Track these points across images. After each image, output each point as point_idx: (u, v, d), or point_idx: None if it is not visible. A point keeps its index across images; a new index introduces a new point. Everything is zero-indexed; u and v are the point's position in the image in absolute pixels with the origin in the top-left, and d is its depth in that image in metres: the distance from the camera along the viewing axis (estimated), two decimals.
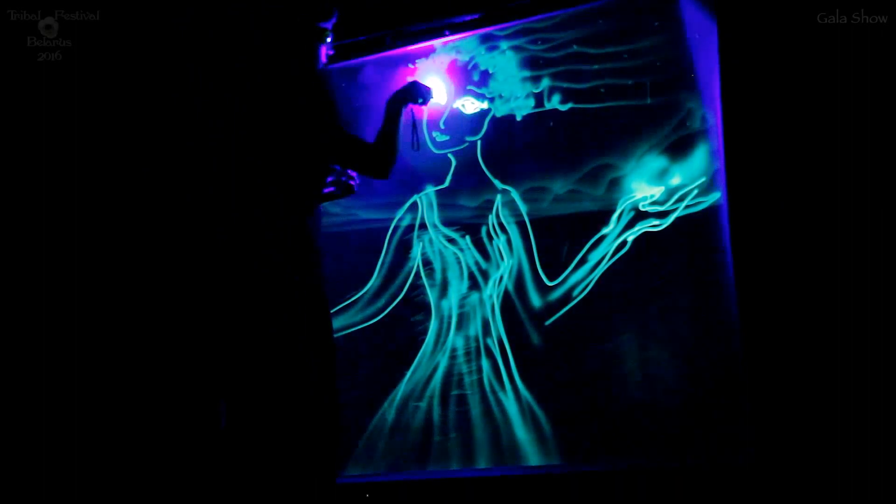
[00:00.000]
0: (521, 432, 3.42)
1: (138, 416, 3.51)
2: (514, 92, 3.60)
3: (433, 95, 2.89)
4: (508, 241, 3.57)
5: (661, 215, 3.31)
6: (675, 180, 3.30)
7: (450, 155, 3.72)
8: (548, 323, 3.44)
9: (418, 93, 2.82)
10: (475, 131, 3.67)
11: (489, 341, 3.54)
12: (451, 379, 3.58)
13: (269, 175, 2.45)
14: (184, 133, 3.39)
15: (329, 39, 2.67)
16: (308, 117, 2.47)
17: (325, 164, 2.57)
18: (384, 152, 2.62)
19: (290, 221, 2.45)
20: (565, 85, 3.51)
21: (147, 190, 3.58)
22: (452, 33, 3.68)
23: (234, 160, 2.48)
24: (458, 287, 3.65)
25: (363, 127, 3.60)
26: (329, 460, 2.43)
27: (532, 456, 3.39)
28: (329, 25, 2.66)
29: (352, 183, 2.83)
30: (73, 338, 3.53)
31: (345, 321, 3.77)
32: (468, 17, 3.62)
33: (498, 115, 3.63)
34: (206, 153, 2.59)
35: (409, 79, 3.15)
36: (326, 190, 2.80)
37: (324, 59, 2.68)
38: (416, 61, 3.74)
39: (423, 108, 2.90)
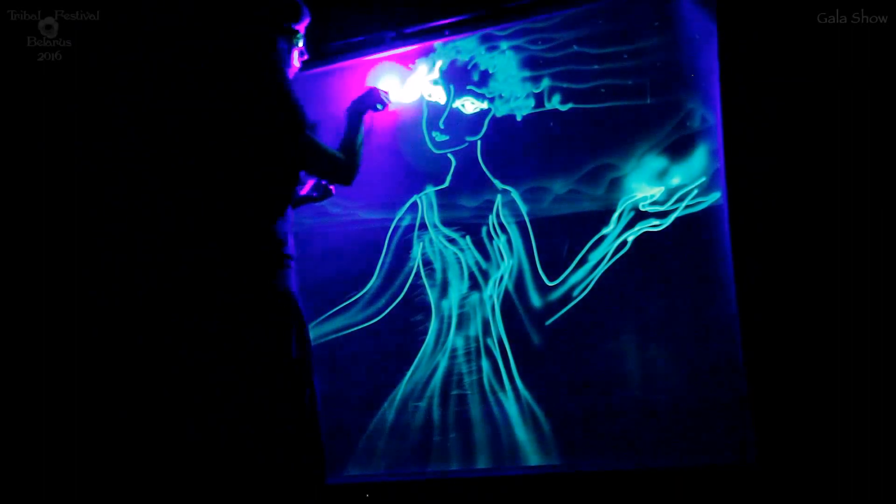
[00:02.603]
0: (521, 432, 3.42)
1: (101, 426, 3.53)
2: (515, 92, 3.60)
3: (391, 100, 2.94)
4: (509, 241, 3.57)
5: (661, 215, 3.31)
6: (675, 180, 3.30)
7: (450, 155, 3.72)
8: (548, 323, 3.44)
9: (375, 99, 2.85)
10: (475, 131, 3.67)
11: (489, 341, 3.54)
12: (451, 379, 3.58)
13: (238, 183, 2.43)
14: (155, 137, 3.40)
15: (301, 43, 2.65)
16: (277, 123, 2.45)
17: (294, 171, 2.54)
18: (348, 160, 2.63)
19: (259, 229, 2.43)
20: (565, 85, 3.51)
21: (145, 191, 3.59)
22: (452, 33, 3.69)
23: (201, 168, 2.46)
24: (458, 287, 3.64)
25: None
26: (312, 471, 2.41)
27: (532, 456, 3.39)
28: (301, 28, 2.63)
29: (330, 187, 2.84)
30: (76, 342, 3.54)
31: (345, 321, 3.77)
32: (468, 17, 3.64)
33: (498, 115, 3.63)
34: (173, 159, 2.59)
35: (367, 85, 3.19)
36: (304, 193, 2.80)
37: (298, 62, 2.66)
38: (416, 62, 3.74)
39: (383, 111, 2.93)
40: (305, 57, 2.69)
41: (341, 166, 2.62)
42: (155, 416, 3.43)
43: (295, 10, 2.61)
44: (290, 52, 2.61)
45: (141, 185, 3.59)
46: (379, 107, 2.87)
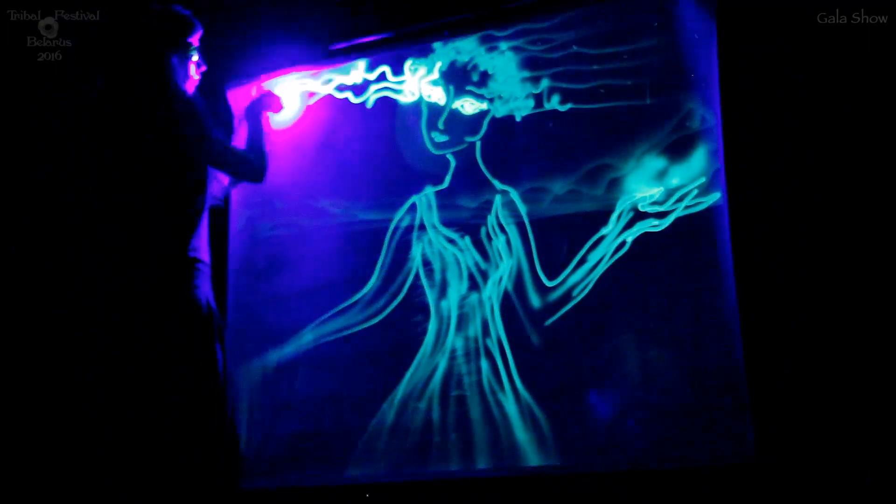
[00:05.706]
0: (521, 433, 3.41)
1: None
2: (514, 92, 3.60)
3: (283, 105, 3.45)
4: (508, 242, 3.57)
5: (661, 215, 3.31)
6: (675, 181, 3.30)
7: (449, 155, 3.72)
8: (547, 323, 3.44)
9: (269, 102, 3.33)
10: (474, 132, 3.67)
11: (489, 342, 3.54)
12: (451, 380, 3.57)
13: (148, 195, 2.51)
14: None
15: (197, 56, 2.80)
16: (179, 136, 2.54)
17: (202, 177, 2.67)
18: (255, 157, 2.99)
19: (171, 239, 2.51)
20: (565, 85, 3.52)
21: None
22: (452, 33, 3.69)
23: (115, 183, 2.54)
24: (457, 288, 3.64)
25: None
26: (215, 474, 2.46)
27: (532, 456, 3.38)
28: (194, 41, 2.77)
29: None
30: None
31: (345, 322, 3.77)
32: (467, 17, 3.64)
33: (497, 115, 3.63)
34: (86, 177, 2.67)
35: (263, 89, 3.58)
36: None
37: (196, 74, 2.82)
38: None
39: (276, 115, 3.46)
40: (203, 68, 2.89)
41: (250, 164, 2.95)
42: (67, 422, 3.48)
43: (185, 24, 2.77)
44: (184, 66, 2.76)
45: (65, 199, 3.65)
46: (272, 110, 3.36)
